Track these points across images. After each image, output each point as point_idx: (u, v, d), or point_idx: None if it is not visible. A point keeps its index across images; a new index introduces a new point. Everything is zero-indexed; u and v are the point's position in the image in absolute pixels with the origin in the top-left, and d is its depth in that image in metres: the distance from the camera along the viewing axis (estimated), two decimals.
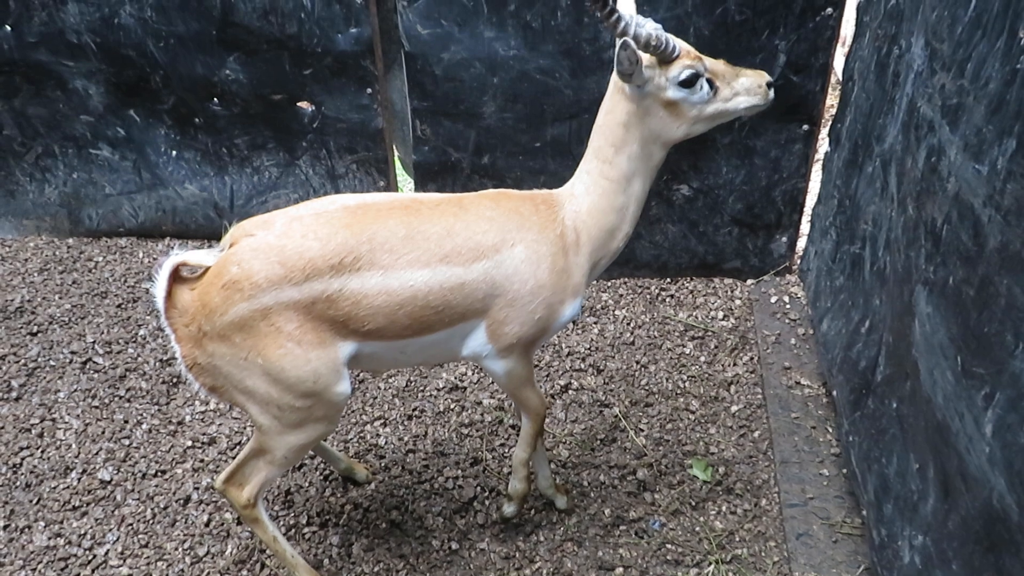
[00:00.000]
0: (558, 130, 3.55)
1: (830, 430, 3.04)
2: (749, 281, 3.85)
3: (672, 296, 3.80)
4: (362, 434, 3.12)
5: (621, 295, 3.81)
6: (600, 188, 2.27)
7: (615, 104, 2.18)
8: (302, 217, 2.10)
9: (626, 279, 3.90)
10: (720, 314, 3.66)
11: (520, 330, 2.23)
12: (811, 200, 3.75)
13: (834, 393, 3.00)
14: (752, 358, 3.43)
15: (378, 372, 3.31)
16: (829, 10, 3.20)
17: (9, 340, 3.59)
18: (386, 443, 3.08)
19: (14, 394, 3.31)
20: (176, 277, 2.12)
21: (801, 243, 3.87)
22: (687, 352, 3.48)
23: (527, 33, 3.34)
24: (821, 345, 3.25)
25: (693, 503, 2.83)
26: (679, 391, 3.28)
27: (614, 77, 2.13)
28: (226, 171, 4.06)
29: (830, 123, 3.48)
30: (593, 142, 2.28)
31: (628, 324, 3.63)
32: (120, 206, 4.23)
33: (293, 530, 2.75)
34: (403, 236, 2.09)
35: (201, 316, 2.07)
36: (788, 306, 3.69)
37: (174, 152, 4.05)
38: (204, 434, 3.11)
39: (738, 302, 3.74)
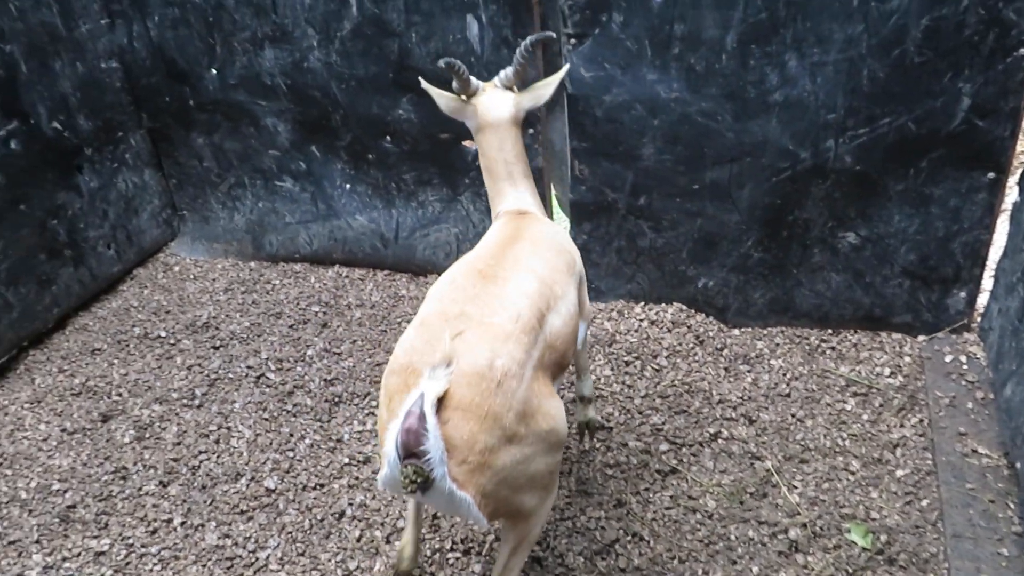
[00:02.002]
0: (717, 173, 3.51)
1: (1012, 506, 2.78)
2: (920, 337, 3.60)
3: (833, 348, 3.62)
4: None
5: (777, 344, 3.67)
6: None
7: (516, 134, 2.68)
8: (463, 290, 2.15)
9: (783, 328, 3.75)
10: (886, 371, 3.44)
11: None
12: (995, 253, 3.47)
13: (1017, 465, 2.74)
14: (922, 420, 3.19)
15: None
16: (1023, 51, 2.99)
17: (196, 352, 3.95)
18: None
19: (197, 401, 3.63)
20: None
21: (982, 299, 3.58)
22: (848, 408, 3.29)
23: (690, 76, 3.34)
24: (1003, 411, 2.99)
25: (850, 570, 2.66)
26: (838, 449, 3.11)
27: (511, 114, 2.65)
28: (393, 204, 4.29)
29: (1021, 171, 3.22)
30: (514, 169, 2.70)
31: (784, 375, 3.49)
32: (297, 234, 4.57)
33: (437, 554, 2.83)
34: (540, 269, 2.28)
35: (482, 436, 1.82)
36: (965, 366, 3.42)
37: (348, 185, 4.34)
38: (360, 453, 3.27)
39: (907, 359, 3.50)
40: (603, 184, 3.71)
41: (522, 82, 2.72)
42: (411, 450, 1.76)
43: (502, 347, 1.94)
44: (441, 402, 1.81)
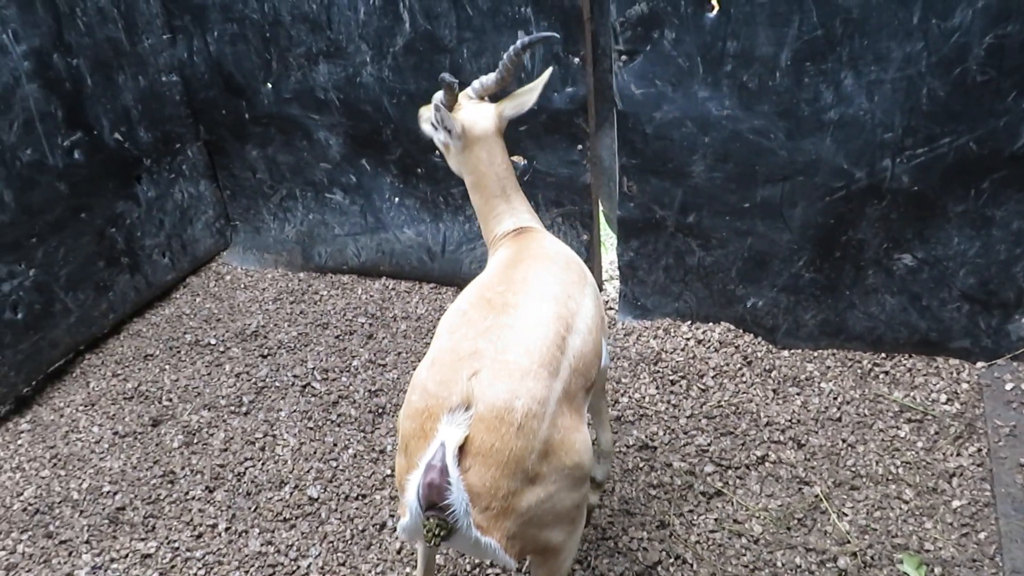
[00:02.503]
0: (769, 191, 3.46)
1: None
2: (979, 364, 3.49)
3: (887, 373, 3.52)
4: None
5: (828, 367, 3.58)
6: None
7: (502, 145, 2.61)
8: (474, 324, 2.04)
9: (835, 351, 3.66)
10: (943, 397, 3.34)
11: None
12: None
13: None
14: (980, 450, 3.08)
15: None
16: None
17: (244, 360, 4.02)
18: None
19: (244, 409, 3.68)
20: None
21: None
22: (901, 435, 3.19)
23: (742, 93, 3.30)
24: None
25: None
26: (891, 477, 3.02)
27: (496, 126, 2.58)
28: (441, 218, 4.32)
29: None
30: (506, 183, 2.61)
31: (835, 398, 3.40)
32: (346, 246, 4.63)
33: (477, 569, 2.82)
34: (552, 288, 2.21)
35: (504, 482, 1.78)
36: None
37: (396, 199, 4.39)
38: None
39: (965, 386, 3.39)
40: (652, 201, 3.69)
41: (504, 90, 2.62)
42: (434, 503, 1.73)
43: (520, 386, 1.85)
44: (461, 449, 1.77)
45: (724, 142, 3.42)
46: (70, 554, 3.03)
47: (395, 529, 2.98)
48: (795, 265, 3.56)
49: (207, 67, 4.42)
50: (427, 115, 2.67)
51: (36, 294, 3.84)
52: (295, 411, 3.64)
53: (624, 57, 3.44)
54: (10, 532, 3.15)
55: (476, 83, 2.63)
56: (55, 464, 3.50)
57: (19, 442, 3.66)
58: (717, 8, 3.21)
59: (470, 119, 2.56)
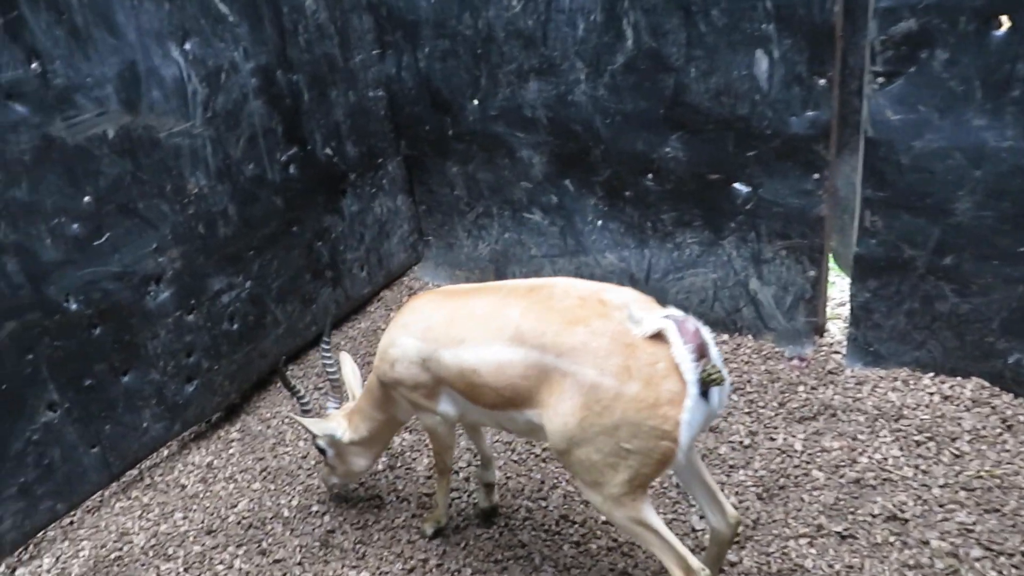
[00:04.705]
0: None
1: None
2: None
3: None
4: (785, 550, 2.84)
5: None
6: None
7: None
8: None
9: None
10: None
11: None
12: None
13: None
14: None
15: None
16: None
17: None
18: (813, 567, 2.77)
19: None
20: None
21: None
22: None
23: None
24: None
25: None
26: None
27: None
28: (647, 244, 4.09)
29: None
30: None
31: None
32: (542, 267, 4.49)
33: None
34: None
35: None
36: None
37: (600, 222, 4.20)
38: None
39: None
40: (900, 239, 3.31)
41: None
42: (703, 354, 2.05)
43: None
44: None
45: (1001, 177, 3.00)
46: (284, 575, 3.02)
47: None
48: None
49: (415, 83, 4.40)
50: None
51: (251, 306, 3.92)
52: (498, 440, 3.52)
53: (880, 79, 3.09)
54: (227, 546, 3.18)
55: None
56: (265, 477, 3.54)
57: (230, 451, 3.73)
58: (1008, 24, 2.81)
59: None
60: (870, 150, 3.23)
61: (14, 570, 3.20)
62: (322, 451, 3.05)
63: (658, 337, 2.07)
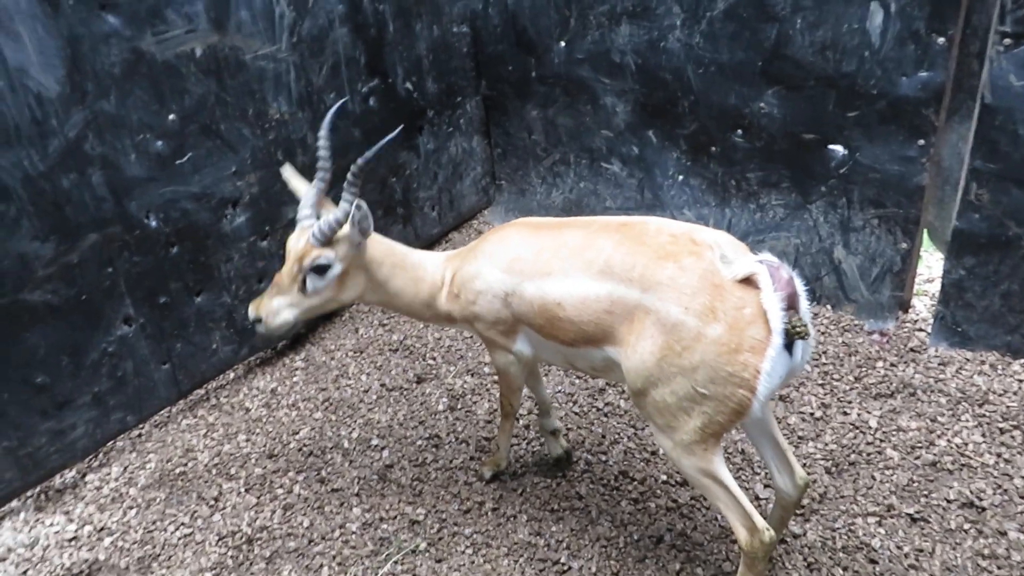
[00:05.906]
0: None
1: None
2: None
3: None
4: (852, 527, 2.75)
5: None
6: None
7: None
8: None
9: None
10: None
11: None
12: None
13: None
14: None
15: None
16: None
17: None
18: (881, 547, 2.67)
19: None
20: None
21: None
22: None
23: None
24: None
25: None
26: None
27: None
28: (728, 203, 3.94)
29: None
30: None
31: None
32: None
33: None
34: None
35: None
36: None
37: (680, 177, 4.05)
38: (677, 472, 3.01)
39: None
40: (1007, 215, 3.10)
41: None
42: (792, 305, 1.95)
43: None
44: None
45: None
46: (342, 504, 3.05)
47: (673, 545, 2.73)
48: None
49: (500, 20, 4.28)
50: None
51: None
52: (560, 391, 3.47)
53: (1007, 41, 2.86)
54: (287, 471, 3.23)
55: (318, 229, 2.40)
56: (327, 408, 3.57)
57: (294, 379, 3.78)
58: None
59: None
60: (985, 118, 3.01)
61: (84, 475, 3.31)
62: (321, 268, 2.45)
63: (749, 282, 1.97)
